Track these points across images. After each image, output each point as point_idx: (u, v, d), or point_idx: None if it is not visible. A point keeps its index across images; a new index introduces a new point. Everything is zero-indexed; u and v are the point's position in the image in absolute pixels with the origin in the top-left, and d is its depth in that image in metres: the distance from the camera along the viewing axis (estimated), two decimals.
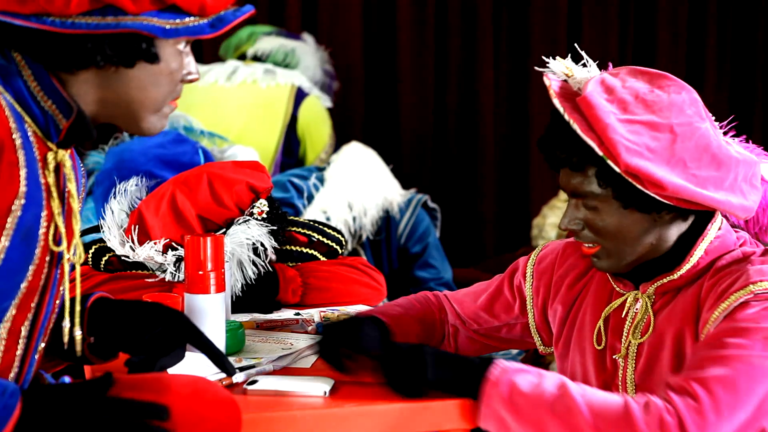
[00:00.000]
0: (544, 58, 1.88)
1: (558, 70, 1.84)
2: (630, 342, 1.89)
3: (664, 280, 1.88)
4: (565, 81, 1.84)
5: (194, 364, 1.89)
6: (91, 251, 2.46)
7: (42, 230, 1.56)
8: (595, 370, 1.93)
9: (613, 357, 1.91)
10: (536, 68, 1.89)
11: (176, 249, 2.31)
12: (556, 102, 1.78)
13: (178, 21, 1.54)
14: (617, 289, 1.94)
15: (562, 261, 2.05)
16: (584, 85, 1.80)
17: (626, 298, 1.92)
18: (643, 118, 1.77)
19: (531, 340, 2.09)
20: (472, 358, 1.76)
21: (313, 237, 2.54)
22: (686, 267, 1.85)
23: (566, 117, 1.76)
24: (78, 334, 1.64)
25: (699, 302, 1.83)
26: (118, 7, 1.50)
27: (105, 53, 1.53)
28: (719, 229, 1.86)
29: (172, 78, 1.60)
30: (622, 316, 1.91)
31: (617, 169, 1.74)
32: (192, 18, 1.56)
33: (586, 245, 1.86)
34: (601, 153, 1.74)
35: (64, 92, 1.55)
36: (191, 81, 1.65)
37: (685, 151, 1.76)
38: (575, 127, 1.75)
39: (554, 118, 1.82)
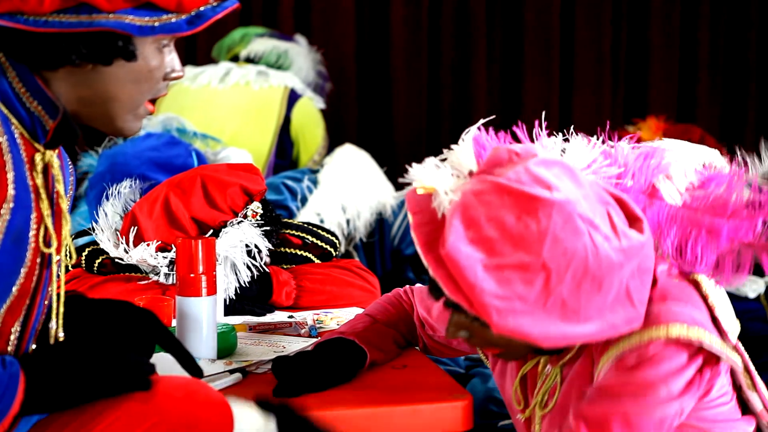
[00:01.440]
0: (407, 167, 1.71)
1: (418, 186, 1.67)
2: (535, 405, 1.79)
3: (572, 353, 1.75)
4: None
5: (181, 369, 1.89)
6: (84, 254, 2.46)
7: (32, 232, 1.55)
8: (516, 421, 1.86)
9: (517, 416, 1.82)
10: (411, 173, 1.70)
11: (170, 251, 2.31)
12: (421, 254, 1.62)
13: (154, 18, 1.52)
14: None
15: None
16: (446, 214, 1.61)
17: (538, 360, 1.80)
18: (512, 259, 1.57)
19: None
20: None
21: (307, 239, 2.54)
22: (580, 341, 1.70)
23: (432, 274, 1.60)
24: (61, 335, 1.64)
25: (593, 360, 1.71)
26: (92, 5, 1.49)
27: (80, 52, 1.52)
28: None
29: (152, 75, 1.58)
30: (538, 376, 1.80)
31: (488, 328, 1.60)
32: (169, 15, 1.54)
33: (486, 349, 1.75)
34: (472, 314, 1.60)
35: (49, 92, 1.54)
36: (175, 79, 1.62)
37: (563, 286, 1.58)
38: (444, 288, 1.59)
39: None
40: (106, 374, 1.54)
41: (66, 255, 1.64)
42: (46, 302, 1.63)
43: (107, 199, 2.47)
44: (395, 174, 4.56)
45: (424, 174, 1.66)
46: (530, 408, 1.81)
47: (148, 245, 2.32)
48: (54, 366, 1.53)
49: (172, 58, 1.62)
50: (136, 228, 2.35)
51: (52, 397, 1.52)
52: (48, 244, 1.58)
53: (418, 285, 2.13)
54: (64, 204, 1.61)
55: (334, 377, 1.86)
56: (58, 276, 1.63)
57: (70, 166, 1.72)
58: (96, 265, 2.44)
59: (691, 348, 1.64)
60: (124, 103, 1.58)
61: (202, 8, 1.56)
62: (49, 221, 1.57)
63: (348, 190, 3.69)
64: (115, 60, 1.55)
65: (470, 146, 1.70)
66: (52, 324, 1.63)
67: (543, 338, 1.59)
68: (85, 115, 1.59)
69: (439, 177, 1.65)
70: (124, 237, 2.35)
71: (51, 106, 1.55)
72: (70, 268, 2.42)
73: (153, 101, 1.63)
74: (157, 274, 2.34)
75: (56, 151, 1.61)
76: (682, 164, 1.75)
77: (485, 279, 1.57)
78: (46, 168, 1.58)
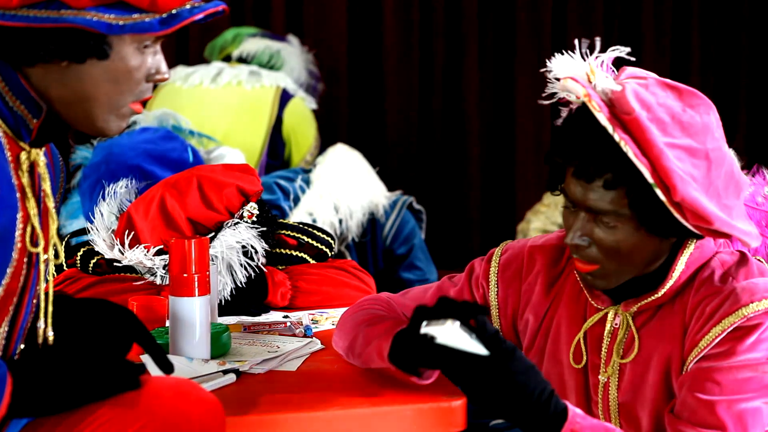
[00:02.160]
0: (555, 58, 1.76)
1: (578, 73, 1.72)
2: (614, 361, 1.83)
3: (650, 299, 1.81)
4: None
5: (178, 369, 1.89)
6: (79, 253, 2.45)
7: (18, 232, 1.54)
8: (576, 386, 1.87)
9: (598, 376, 1.84)
10: (551, 65, 1.75)
11: (166, 252, 2.31)
12: (602, 117, 1.67)
13: (125, 17, 1.50)
14: (594, 304, 1.86)
15: (529, 266, 1.94)
16: (615, 95, 1.69)
17: (605, 314, 1.84)
18: (683, 142, 1.68)
19: None
20: (544, 394, 1.63)
21: (303, 240, 2.53)
22: (669, 284, 1.79)
23: (616, 137, 1.65)
24: (50, 335, 1.63)
25: (684, 322, 1.78)
26: (61, 1, 1.47)
27: (48, 48, 1.50)
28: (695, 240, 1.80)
29: (132, 76, 1.56)
30: (603, 333, 1.85)
31: (662, 197, 1.65)
32: (141, 14, 1.51)
33: (582, 262, 1.76)
34: (652, 181, 1.65)
35: (31, 91, 1.53)
36: (159, 81, 1.60)
37: (719, 180, 1.70)
38: (627, 150, 1.64)
39: (585, 122, 1.70)
40: (95, 377, 1.53)
41: (53, 254, 1.63)
42: (34, 301, 1.63)
43: (102, 197, 2.46)
44: (387, 174, 4.57)
45: (574, 64, 1.74)
46: (605, 357, 1.83)
47: (145, 247, 2.32)
48: (42, 368, 1.52)
49: (156, 60, 1.59)
50: (130, 228, 2.35)
51: (41, 400, 1.51)
52: (35, 244, 1.57)
53: (385, 293, 2.08)
54: (51, 203, 1.60)
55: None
56: (46, 275, 1.62)
57: (61, 163, 1.71)
58: (91, 265, 2.44)
59: None
60: (102, 102, 1.56)
61: (177, 9, 1.53)
62: (35, 221, 1.56)
63: (340, 190, 3.69)
64: (89, 58, 1.52)
65: (591, 60, 1.76)
66: (41, 323, 1.62)
67: (715, 216, 1.67)
68: (67, 115, 1.57)
69: (595, 67, 1.74)
70: (119, 238, 2.35)
71: (34, 105, 1.54)
72: (65, 267, 2.43)
73: (143, 103, 1.61)
74: (153, 274, 2.34)
75: (43, 149, 1.60)
76: None
77: (667, 149, 1.66)
78: (32, 167, 1.57)
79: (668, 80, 1.75)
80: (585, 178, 1.71)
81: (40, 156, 1.58)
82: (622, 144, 1.65)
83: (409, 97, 4.87)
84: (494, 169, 4.92)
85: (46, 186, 1.59)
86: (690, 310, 1.78)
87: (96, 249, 2.39)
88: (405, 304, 2.00)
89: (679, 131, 1.69)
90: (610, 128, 1.66)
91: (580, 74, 1.72)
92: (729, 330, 1.72)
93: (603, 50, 1.76)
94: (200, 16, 1.54)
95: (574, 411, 1.66)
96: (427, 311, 1.68)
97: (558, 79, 1.75)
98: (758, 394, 1.72)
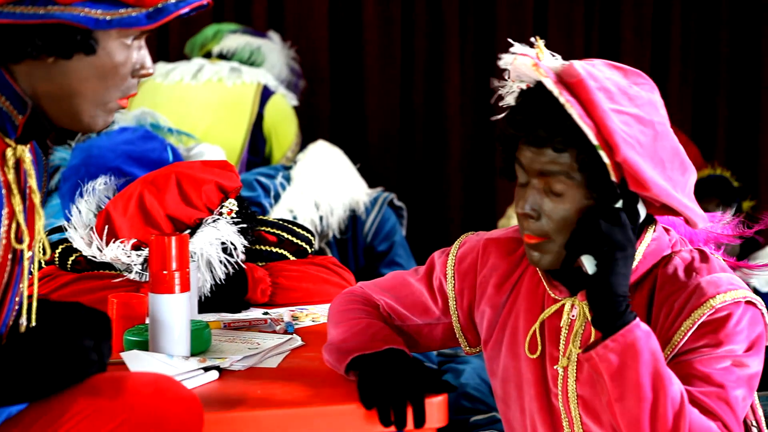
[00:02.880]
0: (510, 41, 1.81)
1: (528, 53, 1.76)
2: (571, 351, 1.83)
3: None
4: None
5: (155, 364, 1.89)
6: (57, 251, 2.44)
7: (3, 228, 1.54)
8: (534, 378, 1.87)
9: (555, 367, 1.85)
10: (502, 55, 1.82)
11: (144, 249, 2.30)
12: (548, 82, 1.70)
13: (112, 11, 1.50)
14: (552, 294, 1.87)
15: (484, 260, 1.96)
16: (563, 69, 1.74)
17: (562, 306, 1.85)
18: (630, 110, 1.72)
19: (454, 342, 2.00)
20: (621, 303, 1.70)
21: (283, 236, 2.53)
22: None
23: (561, 99, 1.68)
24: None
25: (647, 316, 1.80)
26: None
27: (35, 44, 1.50)
28: (654, 231, 1.83)
29: (118, 71, 1.56)
30: (560, 324, 1.85)
31: (606, 159, 1.69)
32: (128, 8, 1.52)
33: (532, 235, 1.78)
34: (596, 142, 1.68)
35: (17, 87, 1.53)
36: (144, 76, 1.60)
37: (664, 151, 1.74)
38: (572, 111, 1.68)
39: (536, 95, 1.74)
40: (56, 360, 1.53)
41: (40, 251, 1.63)
42: (17, 299, 1.62)
43: (81, 195, 2.45)
44: (368, 170, 4.57)
45: (523, 47, 1.78)
46: (563, 348, 1.84)
47: (122, 242, 2.31)
48: (5, 357, 1.52)
49: (141, 55, 1.59)
50: (108, 225, 2.34)
51: (7, 388, 1.51)
52: (20, 240, 1.56)
53: (362, 282, 2.11)
54: (37, 199, 1.60)
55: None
56: (30, 272, 1.62)
57: (44, 161, 1.71)
58: (70, 262, 2.43)
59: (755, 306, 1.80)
60: (89, 98, 1.56)
61: (163, 3, 1.53)
62: (21, 217, 1.56)
63: (321, 187, 3.68)
64: (76, 54, 1.52)
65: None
66: (23, 320, 1.62)
67: (652, 182, 1.70)
68: (53, 111, 1.57)
69: (543, 49, 1.78)
70: (97, 235, 2.34)
71: (19, 101, 1.53)
72: (43, 264, 2.42)
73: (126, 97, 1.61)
74: (131, 272, 2.34)
75: (28, 146, 1.59)
76: None
77: (611, 112, 1.69)
78: (18, 163, 1.57)
79: (618, 64, 1.80)
80: (536, 143, 1.74)
81: (25, 152, 1.57)
82: (567, 106, 1.69)
83: (390, 94, 4.87)
84: (475, 165, 4.93)
85: (32, 182, 1.59)
86: (657, 307, 1.80)
87: (74, 246, 2.38)
88: (378, 292, 2.05)
89: (627, 101, 1.73)
90: (555, 91, 1.70)
91: (528, 52, 1.77)
92: (699, 322, 1.74)
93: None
94: (186, 9, 1.54)
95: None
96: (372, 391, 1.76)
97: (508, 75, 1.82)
98: (739, 384, 1.74)
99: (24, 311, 1.61)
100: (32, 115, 1.55)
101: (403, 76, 4.89)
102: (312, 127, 4.68)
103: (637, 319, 1.70)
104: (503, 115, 1.82)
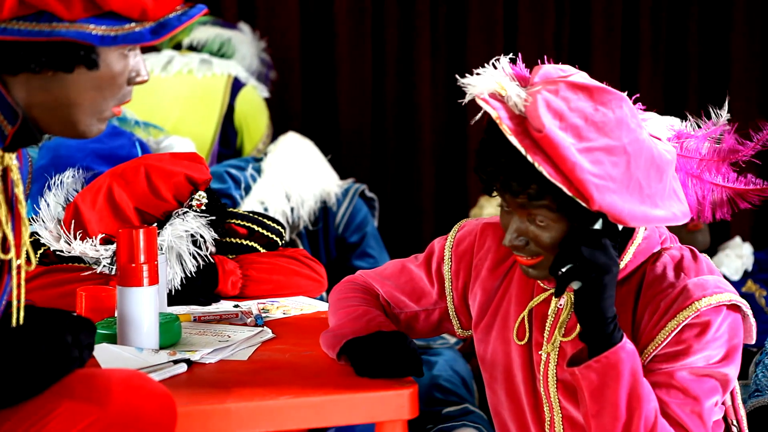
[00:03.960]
0: (475, 72, 1.79)
1: (490, 89, 1.76)
2: (555, 338, 1.88)
3: None
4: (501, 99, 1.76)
5: (124, 357, 1.88)
6: None
7: None
8: (522, 363, 1.92)
9: (539, 352, 1.90)
10: (463, 82, 1.80)
11: (113, 243, 2.29)
12: (514, 140, 1.71)
13: (116, 27, 1.50)
14: (541, 284, 1.92)
15: (481, 243, 2.01)
16: (527, 108, 1.72)
17: (551, 294, 1.90)
18: (599, 143, 1.72)
19: (449, 325, 2.06)
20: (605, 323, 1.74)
21: (253, 229, 2.52)
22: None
23: (530, 159, 1.70)
24: None
25: (635, 314, 1.84)
26: (52, 14, 1.46)
27: (39, 60, 1.49)
28: (646, 229, 1.87)
29: (115, 82, 1.56)
30: (548, 311, 1.90)
31: (584, 205, 1.70)
32: (132, 24, 1.51)
33: (524, 257, 1.82)
34: (570, 194, 1.70)
35: (8, 98, 1.51)
36: (139, 83, 1.60)
37: (639, 171, 1.74)
38: (542, 170, 1.69)
39: (504, 147, 1.74)
40: (38, 357, 1.51)
41: (29, 261, 1.61)
42: (1, 307, 1.60)
43: (50, 189, 2.43)
44: (339, 162, 4.56)
45: (485, 80, 1.77)
46: (548, 335, 1.89)
47: (91, 238, 2.29)
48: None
49: (136, 62, 1.59)
50: (77, 219, 2.32)
51: None
52: (6, 251, 1.55)
53: (362, 271, 2.16)
54: (23, 210, 1.58)
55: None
56: (18, 282, 1.60)
57: (30, 164, 1.69)
58: (38, 255, 2.41)
59: (738, 308, 1.84)
60: (86, 108, 1.55)
61: (165, 18, 1.54)
62: (8, 228, 1.54)
63: (292, 179, 3.68)
64: (77, 67, 1.52)
65: (501, 71, 1.79)
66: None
67: (630, 216, 1.72)
68: (46, 120, 1.55)
69: (505, 81, 1.77)
70: (65, 228, 2.32)
71: (10, 111, 1.52)
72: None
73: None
74: (100, 264, 2.32)
75: (15, 153, 1.57)
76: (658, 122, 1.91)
77: (581, 159, 1.69)
78: (5, 172, 1.55)
79: (578, 81, 1.77)
80: (510, 192, 1.76)
81: (13, 160, 1.56)
82: (536, 165, 1.69)
83: (362, 85, 4.86)
84: (447, 157, 4.93)
85: (19, 191, 1.57)
86: (642, 304, 1.83)
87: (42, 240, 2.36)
88: (378, 281, 2.09)
89: (595, 132, 1.72)
90: (523, 151, 1.70)
91: (491, 89, 1.76)
92: (683, 324, 1.78)
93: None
94: (189, 22, 1.55)
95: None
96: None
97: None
98: (713, 392, 1.80)
99: (13, 320, 1.59)
100: (23, 124, 1.53)
101: (375, 67, 4.88)
102: (283, 118, 4.66)
103: (624, 338, 1.75)
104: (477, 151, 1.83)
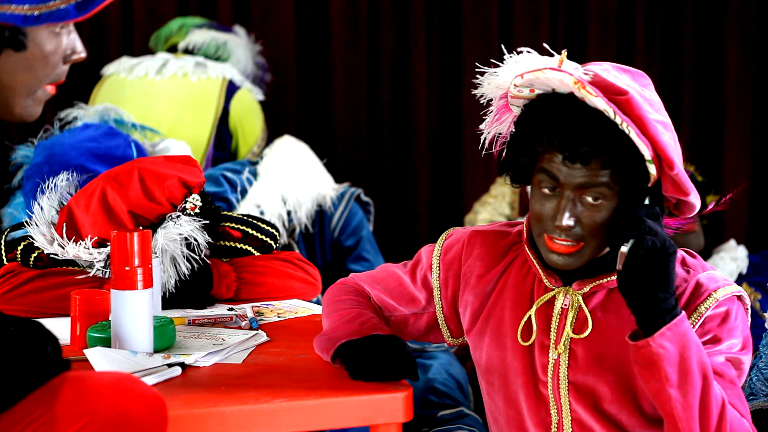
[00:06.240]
0: (524, 50, 1.81)
1: (550, 65, 1.76)
2: (565, 338, 1.87)
3: (604, 280, 1.88)
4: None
5: (119, 360, 1.88)
6: (19, 247, 2.42)
7: None
8: (522, 367, 1.91)
9: (548, 356, 1.89)
10: (518, 51, 1.82)
11: (107, 246, 2.28)
12: (601, 102, 1.71)
13: (40, 6, 1.46)
14: (547, 284, 1.91)
15: (469, 251, 2.01)
16: (598, 78, 1.74)
17: (554, 295, 1.90)
18: (658, 117, 1.77)
19: (437, 332, 2.05)
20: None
21: (247, 232, 2.52)
22: None
23: (618, 120, 1.71)
24: None
25: None
26: None
27: None
28: None
29: (48, 61, 1.52)
30: (552, 313, 1.90)
31: (653, 171, 1.74)
32: (56, 1, 1.47)
33: (567, 243, 1.81)
34: (650, 158, 1.72)
35: None
36: (76, 61, 1.56)
37: (679, 150, 1.80)
38: (630, 131, 1.71)
39: (577, 112, 1.75)
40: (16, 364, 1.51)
41: None
42: None
43: (43, 192, 2.43)
44: (335, 165, 4.55)
45: (531, 59, 1.80)
46: (559, 337, 1.88)
47: (84, 241, 2.29)
48: None
49: (71, 39, 1.55)
50: (70, 222, 2.32)
51: None
52: None
53: (354, 274, 2.16)
54: None
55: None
56: None
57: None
58: (32, 259, 2.40)
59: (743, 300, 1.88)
60: (20, 91, 1.52)
61: None
62: None
63: (288, 182, 3.67)
64: (4, 50, 1.49)
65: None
66: None
67: (692, 189, 1.78)
68: None
69: (558, 59, 1.79)
70: (59, 232, 2.32)
71: None
72: (5, 261, 2.39)
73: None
74: (94, 268, 2.32)
75: None
76: None
77: (657, 125, 1.74)
78: None
79: (622, 66, 1.83)
80: (581, 160, 1.75)
81: None
82: (624, 126, 1.71)
83: (357, 89, 4.86)
84: (442, 160, 4.93)
85: None
86: None
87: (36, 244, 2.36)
88: (369, 284, 2.10)
89: (650, 106, 1.77)
90: (611, 112, 1.71)
91: (551, 63, 1.77)
92: (706, 315, 1.81)
93: (548, 44, 1.80)
94: None
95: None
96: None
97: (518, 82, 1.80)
98: (740, 378, 1.84)
99: None
100: None
101: (370, 70, 4.88)
102: (278, 122, 4.66)
103: (684, 313, 1.76)
104: (519, 125, 1.83)
